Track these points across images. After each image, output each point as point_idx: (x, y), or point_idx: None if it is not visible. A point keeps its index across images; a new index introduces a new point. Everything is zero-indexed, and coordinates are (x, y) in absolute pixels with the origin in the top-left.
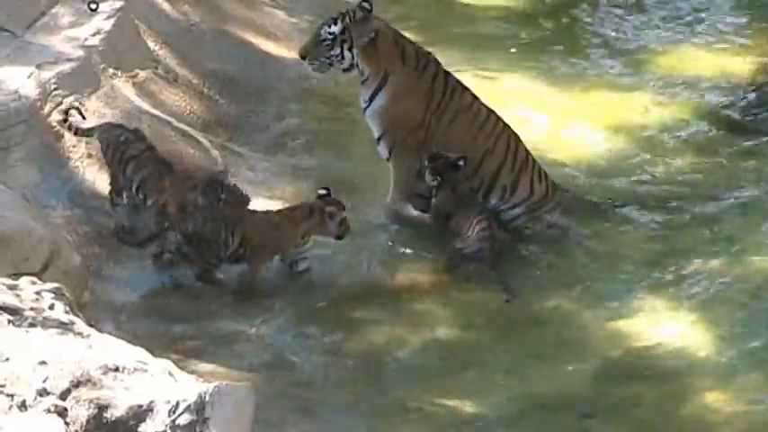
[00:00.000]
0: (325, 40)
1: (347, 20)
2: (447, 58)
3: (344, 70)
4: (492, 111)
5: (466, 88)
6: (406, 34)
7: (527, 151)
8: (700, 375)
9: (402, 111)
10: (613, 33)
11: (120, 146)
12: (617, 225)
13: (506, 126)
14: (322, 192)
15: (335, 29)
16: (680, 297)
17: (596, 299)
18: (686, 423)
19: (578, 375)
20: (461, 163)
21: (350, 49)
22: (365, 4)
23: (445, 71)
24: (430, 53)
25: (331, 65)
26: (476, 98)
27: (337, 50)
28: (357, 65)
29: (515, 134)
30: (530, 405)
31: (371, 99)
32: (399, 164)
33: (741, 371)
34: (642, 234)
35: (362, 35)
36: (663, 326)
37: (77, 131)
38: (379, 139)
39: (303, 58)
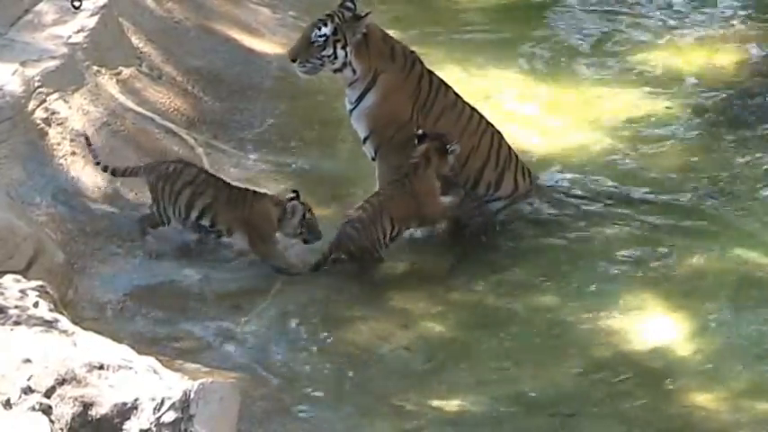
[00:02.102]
0: (315, 42)
1: (337, 20)
2: (432, 54)
3: (335, 71)
4: (474, 109)
5: (449, 87)
6: (390, 30)
7: (510, 148)
8: (685, 372)
9: (390, 109)
10: (601, 27)
11: (172, 176)
12: (602, 221)
13: (489, 124)
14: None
15: (327, 30)
16: (665, 294)
17: (581, 296)
18: (671, 420)
19: (563, 373)
20: (453, 148)
21: (343, 48)
22: (348, 4)
23: (429, 70)
24: (414, 51)
25: (322, 65)
26: (459, 97)
27: (330, 50)
28: (350, 63)
29: (498, 132)
30: (514, 403)
31: (359, 100)
32: (385, 162)
33: (727, 367)
34: (627, 230)
35: (355, 33)
36: (648, 323)
37: (115, 172)
38: (365, 139)
39: (293, 60)
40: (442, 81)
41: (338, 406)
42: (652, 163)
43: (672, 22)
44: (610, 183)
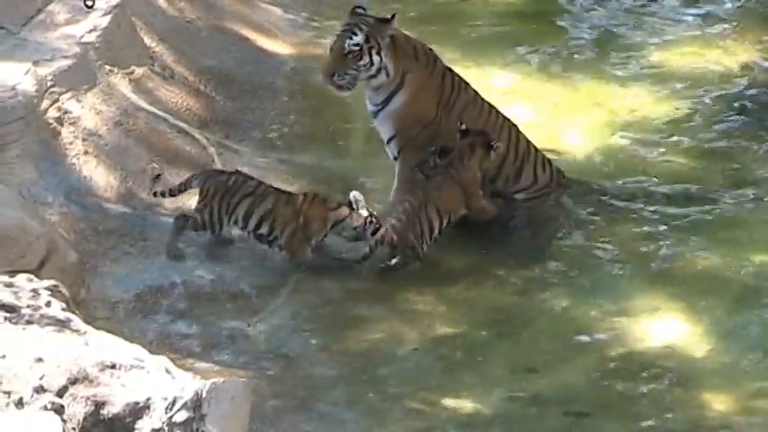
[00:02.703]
0: (350, 52)
1: (365, 27)
2: (441, 54)
3: (370, 77)
4: (492, 105)
5: (467, 83)
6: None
7: (528, 141)
8: (698, 373)
9: (418, 108)
10: (607, 27)
11: (231, 188)
12: (613, 221)
13: (506, 119)
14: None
15: (359, 38)
16: (678, 294)
17: (593, 296)
18: (683, 421)
19: (576, 373)
20: (497, 144)
21: (378, 53)
22: (359, 9)
23: (448, 67)
24: (431, 49)
25: (359, 75)
26: (477, 92)
27: (366, 59)
28: (385, 67)
29: (515, 125)
30: (526, 403)
31: (387, 101)
32: (407, 161)
33: (739, 368)
34: (639, 230)
35: (384, 37)
36: (661, 323)
37: (171, 193)
38: (390, 139)
39: (331, 75)
40: (461, 77)
41: (350, 406)
42: (661, 163)
43: (678, 21)
44: (619, 182)
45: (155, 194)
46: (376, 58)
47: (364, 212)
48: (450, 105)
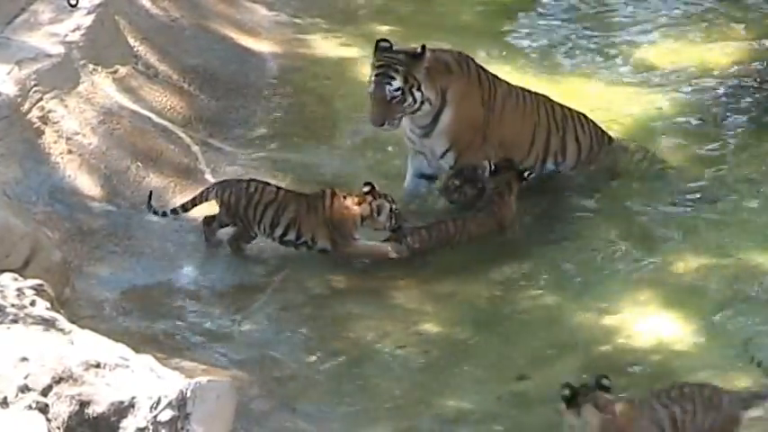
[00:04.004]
0: (393, 98)
1: (400, 68)
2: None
3: (413, 112)
4: (523, 88)
5: (497, 76)
6: (385, 27)
7: (561, 106)
8: (685, 370)
9: (465, 117)
10: (596, 24)
11: (254, 196)
12: (600, 218)
13: (538, 96)
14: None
15: (398, 83)
16: (665, 291)
17: (581, 293)
18: None
19: (562, 370)
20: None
21: (418, 89)
22: (384, 44)
23: (480, 66)
24: (461, 53)
25: (404, 115)
26: (508, 83)
27: (410, 99)
28: (427, 99)
29: (549, 99)
30: (513, 401)
31: (435, 122)
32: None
33: (726, 364)
34: (626, 227)
35: (420, 71)
36: (648, 320)
37: (185, 208)
38: (445, 152)
39: (381, 125)
40: (492, 73)
41: (336, 404)
42: (642, 162)
43: (668, 19)
44: (603, 179)
45: (173, 212)
46: (417, 95)
47: (383, 218)
48: (491, 102)
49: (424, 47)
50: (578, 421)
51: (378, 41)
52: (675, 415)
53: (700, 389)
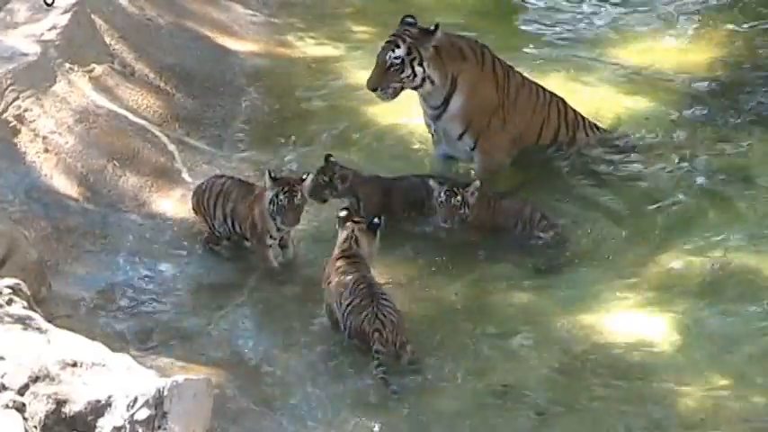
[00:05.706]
0: (392, 65)
1: (408, 39)
2: None
3: (415, 88)
4: (538, 85)
5: (512, 67)
6: (362, 27)
7: (575, 111)
8: (663, 369)
9: (478, 102)
10: (576, 24)
11: (205, 192)
12: (579, 220)
13: (553, 94)
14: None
15: (401, 51)
16: (642, 292)
17: (560, 293)
18: (649, 415)
19: (539, 370)
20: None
21: (420, 64)
22: (409, 20)
23: (496, 56)
24: (477, 41)
25: (403, 87)
26: (523, 76)
27: (408, 71)
28: (428, 77)
29: (562, 99)
30: (493, 398)
31: (446, 104)
32: (488, 147)
33: (703, 365)
34: (605, 229)
35: (427, 48)
36: (626, 320)
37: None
38: (461, 135)
39: (375, 90)
40: (508, 64)
41: (313, 402)
42: (622, 161)
43: (649, 19)
44: (588, 180)
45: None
46: (418, 69)
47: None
48: (506, 90)
49: (437, 25)
50: None
51: (404, 17)
52: None
53: None
